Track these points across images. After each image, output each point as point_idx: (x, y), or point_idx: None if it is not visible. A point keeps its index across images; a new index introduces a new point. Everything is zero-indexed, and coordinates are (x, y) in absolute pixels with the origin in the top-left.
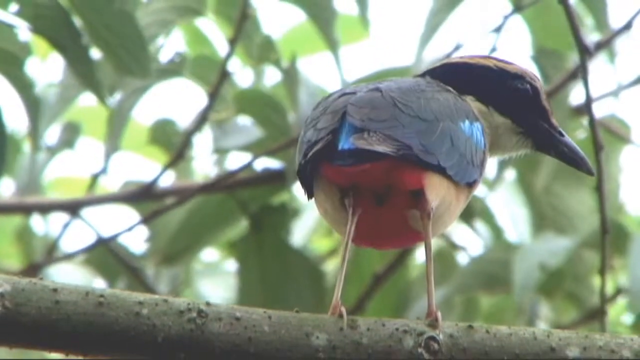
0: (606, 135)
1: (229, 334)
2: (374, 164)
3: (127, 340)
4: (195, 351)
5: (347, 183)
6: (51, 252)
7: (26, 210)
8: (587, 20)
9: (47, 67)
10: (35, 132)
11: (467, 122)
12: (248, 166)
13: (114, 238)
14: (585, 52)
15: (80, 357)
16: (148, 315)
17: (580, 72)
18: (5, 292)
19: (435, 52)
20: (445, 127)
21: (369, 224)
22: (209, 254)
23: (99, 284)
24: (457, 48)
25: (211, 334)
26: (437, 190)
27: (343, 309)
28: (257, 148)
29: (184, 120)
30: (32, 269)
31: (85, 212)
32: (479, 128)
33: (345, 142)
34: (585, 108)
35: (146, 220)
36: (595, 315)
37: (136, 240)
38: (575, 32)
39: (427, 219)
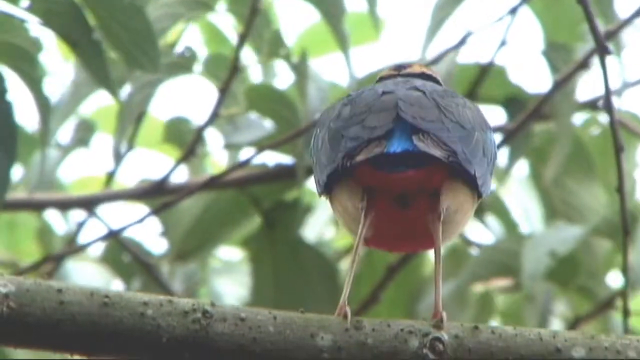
0: (621, 131)
1: (234, 335)
2: (422, 169)
3: (132, 340)
4: (199, 352)
5: (391, 188)
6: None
7: (38, 207)
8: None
9: (68, 66)
10: (45, 130)
11: (490, 134)
12: (250, 161)
13: (123, 230)
14: (604, 52)
15: (84, 358)
16: (153, 315)
17: (593, 61)
18: (9, 293)
19: (443, 47)
20: (478, 137)
21: (392, 226)
22: (231, 252)
23: (116, 284)
24: (464, 41)
25: (216, 335)
26: (455, 194)
27: (348, 309)
28: (266, 144)
29: (199, 117)
30: (44, 264)
31: (101, 209)
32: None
33: (399, 144)
34: (605, 108)
35: (155, 212)
36: (608, 308)
37: (152, 238)
38: (595, 32)
39: (438, 220)
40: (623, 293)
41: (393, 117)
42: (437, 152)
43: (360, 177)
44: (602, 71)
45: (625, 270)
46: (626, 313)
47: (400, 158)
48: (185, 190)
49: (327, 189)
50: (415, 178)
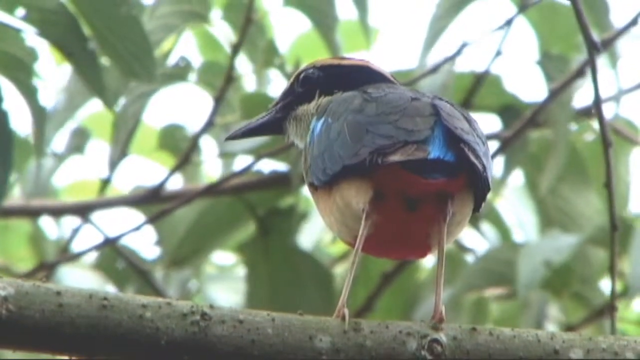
0: (614, 137)
1: (232, 337)
2: (454, 179)
3: (131, 343)
4: (198, 354)
5: (415, 192)
6: (61, 255)
7: (34, 213)
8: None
9: (62, 72)
10: (39, 139)
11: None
12: (249, 169)
13: (120, 238)
14: (594, 49)
15: None
16: (151, 318)
17: (588, 69)
18: (8, 295)
19: (439, 58)
20: (487, 150)
21: (395, 227)
22: (225, 257)
23: (109, 290)
24: (460, 52)
25: (214, 337)
26: (463, 203)
27: (346, 311)
28: (262, 151)
29: (193, 124)
30: (40, 270)
31: (96, 216)
32: None
33: (439, 152)
34: (594, 105)
35: (152, 220)
36: (603, 315)
37: (146, 244)
38: (584, 29)
39: (444, 222)
40: (611, 291)
41: (431, 124)
42: (480, 165)
43: (382, 176)
44: (590, 69)
45: (612, 268)
46: (613, 309)
47: (433, 164)
48: (182, 199)
49: (333, 180)
50: (444, 185)
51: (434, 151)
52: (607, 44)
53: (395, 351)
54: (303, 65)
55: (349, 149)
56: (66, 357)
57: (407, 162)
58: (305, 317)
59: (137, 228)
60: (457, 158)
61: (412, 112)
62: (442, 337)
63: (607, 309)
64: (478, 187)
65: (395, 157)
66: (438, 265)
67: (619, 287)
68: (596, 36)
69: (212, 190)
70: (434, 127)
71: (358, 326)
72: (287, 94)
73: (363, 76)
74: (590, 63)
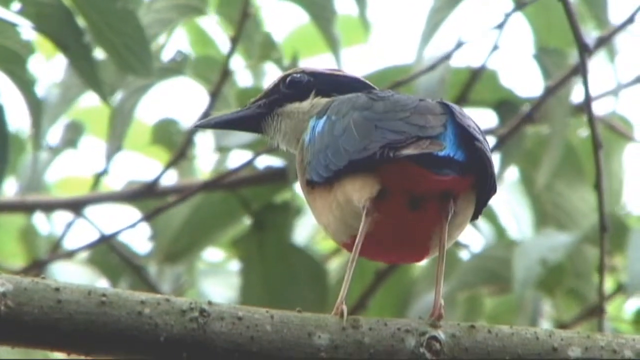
0: (609, 133)
1: (231, 333)
2: (465, 177)
3: (130, 339)
4: (197, 350)
5: (423, 188)
6: (55, 251)
7: (29, 209)
8: (587, 20)
9: (52, 66)
10: (36, 132)
11: None
12: (249, 164)
13: (116, 235)
14: (585, 50)
15: (82, 357)
16: (150, 314)
17: (579, 70)
18: (7, 292)
19: (437, 51)
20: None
21: (395, 226)
22: (214, 254)
23: (102, 284)
24: (457, 48)
25: (213, 334)
26: (466, 205)
27: (344, 308)
28: (258, 146)
29: (187, 119)
30: (35, 267)
31: (89, 211)
32: None
33: (452, 149)
34: (585, 106)
35: (148, 217)
36: (595, 313)
37: (139, 239)
38: (575, 30)
39: (446, 220)
40: (599, 294)
41: (443, 121)
42: (491, 165)
43: (390, 172)
44: (581, 71)
45: (601, 270)
46: (602, 312)
47: (443, 162)
48: (177, 195)
49: (336, 176)
50: (452, 183)
51: (448, 148)
52: (603, 42)
53: (393, 348)
54: (289, 70)
55: (356, 144)
56: (65, 354)
57: (417, 158)
58: (304, 314)
59: (133, 225)
60: (468, 157)
61: (423, 110)
62: (440, 334)
63: (597, 311)
64: (485, 188)
65: (409, 151)
66: (438, 262)
67: (613, 285)
68: (591, 36)
69: (210, 186)
70: (446, 125)
71: (357, 323)
72: (270, 93)
73: (357, 86)
74: (582, 66)
